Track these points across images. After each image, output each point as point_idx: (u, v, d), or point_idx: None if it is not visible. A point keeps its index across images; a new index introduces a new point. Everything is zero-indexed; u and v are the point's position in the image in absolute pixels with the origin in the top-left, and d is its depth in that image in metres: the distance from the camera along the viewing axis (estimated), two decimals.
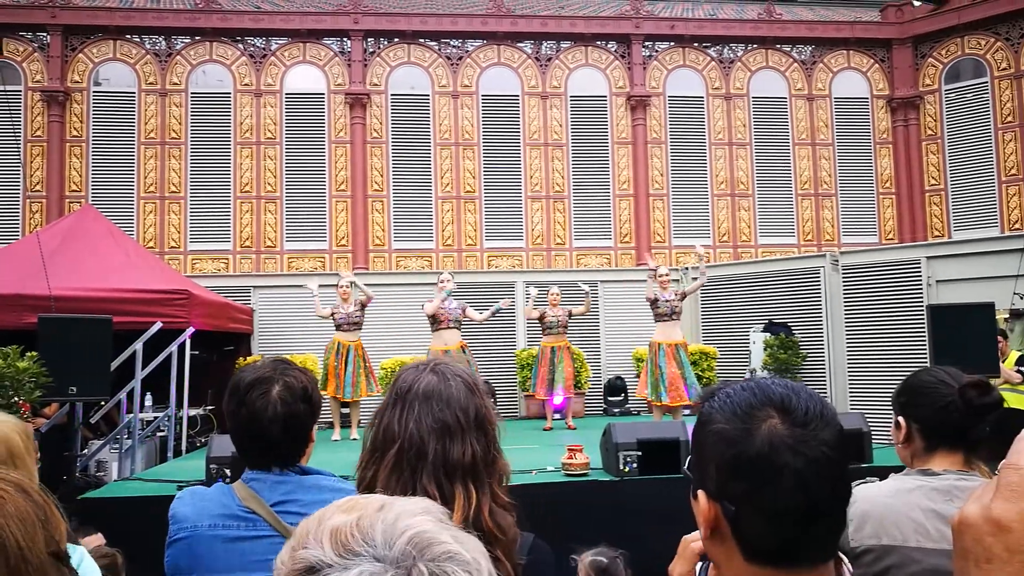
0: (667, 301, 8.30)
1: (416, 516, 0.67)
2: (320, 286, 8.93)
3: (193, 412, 8.83)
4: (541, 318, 9.27)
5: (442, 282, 8.31)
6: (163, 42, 13.46)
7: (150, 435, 7.96)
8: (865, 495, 1.91)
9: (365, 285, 8.80)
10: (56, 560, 0.90)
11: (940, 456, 1.96)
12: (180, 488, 5.49)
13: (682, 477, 5.22)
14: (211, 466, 5.26)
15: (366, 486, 1.33)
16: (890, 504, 1.86)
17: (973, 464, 1.96)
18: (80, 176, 13.02)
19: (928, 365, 7.50)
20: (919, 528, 1.81)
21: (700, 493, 0.98)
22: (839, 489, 0.95)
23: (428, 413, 1.34)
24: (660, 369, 8.12)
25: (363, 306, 8.69)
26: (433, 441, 1.32)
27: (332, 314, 8.65)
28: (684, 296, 8.50)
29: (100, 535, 3.99)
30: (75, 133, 13.09)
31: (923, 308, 8.46)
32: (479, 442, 1.35)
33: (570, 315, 9.25)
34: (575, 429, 8.84)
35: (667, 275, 8.54)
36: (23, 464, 1.54)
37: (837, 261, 10.23)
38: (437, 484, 1.29)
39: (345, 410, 8.83)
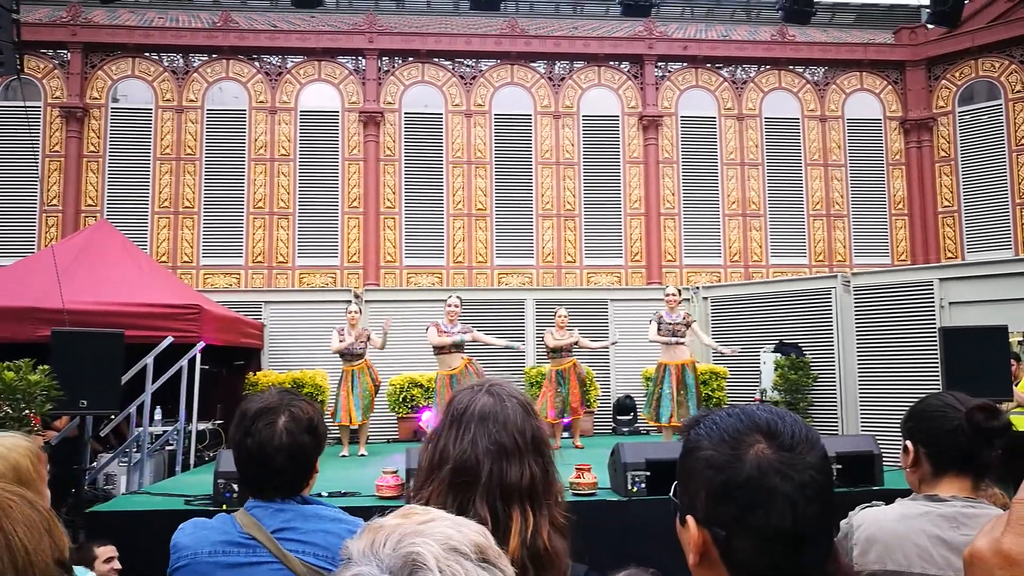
0: (670, 323, 8.22)
1: (433, 539, 0.71)
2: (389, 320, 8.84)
3: (202, 426, 8.85)
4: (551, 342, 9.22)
5: (450, 306, 8.27)
6: (180, 59, 13.64)
7: (159, 449, 7.98)
8: (872, 519, 1.89)
9: (379, 336, 8.70)
10: (60, 568, 0.94)
11: (948, 480, 1.94)
12: (188, 503, 5.50)
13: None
14: (219, 481, 5.26)
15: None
16: (896, 529, 1.84)
17: (981, 489, 1.95)
18: (96, 191, 13.17)
19: (940, 389, 7.44)
20: (923, 554, 1.80)
21: (689, 519, 0.98)
22: (826, 512, 0.96)
23: (484, 435, 1.33)
24: (662, 390, 8.08)
25: (367, 340, 8.63)
26: (488, 463, 1.30)
27: (339, 335, 8.61)
28: (690, 324, 8.39)
29: (112, 547, 4.00)
30: (92, 148, 13.26)
31: (936, 330, 8.40)
32: (536, 464, 1.34)
33: (576, 343, 9.15)
34: (582, 448, 8.79)
35: (675, 295, 8.46)
36: (33, 488, 1.56)
37: (849, 282, 10.18)
38: (491, 507, 1.28)
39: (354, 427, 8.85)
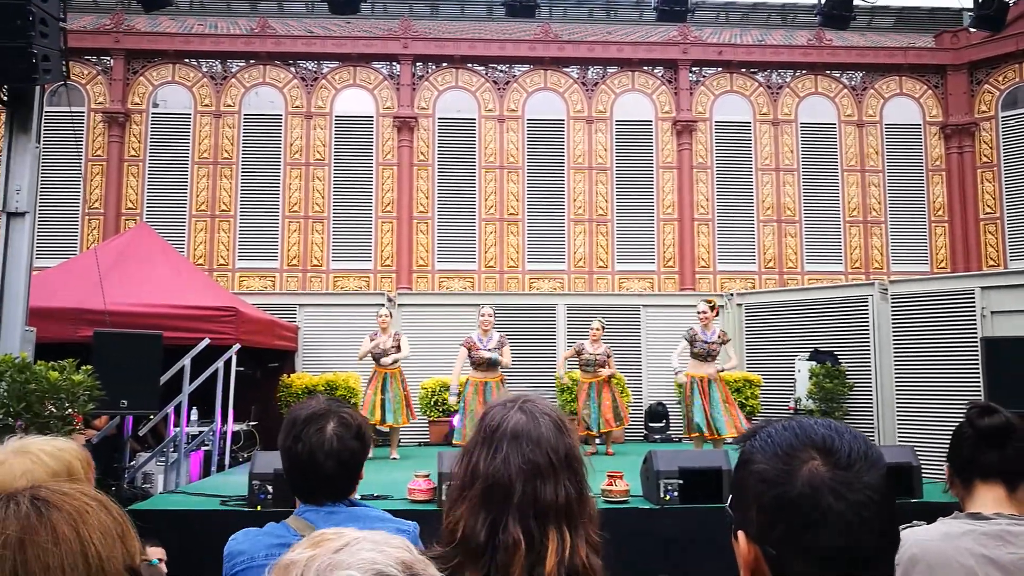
0: (705, 343, 8.06)
1: (357, 568, 0.67)
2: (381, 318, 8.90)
3: (237, 427, 8.97)
4: (579, 353, 9.04)
5: (483, 316, 8.28)
6: (219, 65, 13.88)
7: (194, 449, 8.11)
8: (914, 539, 1.86)
9: (400, 350, 8.75)
10: (131, 575, 0.95)
11: (980, 492, 1.93)
12: (223, 503, 5.58)
13: (723, 507, 5.14)
14: (254, 482, 5.33)
15: (452, 527, 1.31)
16: (941, 549, 1.81)
17: (1020, 500, 1.92)
18: (136, 194, 13.44)
19: (981, 400, 7.27)
20: (970, 574, 1.76)
21: (740, 534, 0.96)
22: (886, 534, 0.92)
23: (517, 453, 1.31)
24: (693, 403, 7.99)
25: (398, 345, 8.68)
26: (521, 482, 1.29)
27: (371, 340, 8.68)
28: (726, 341, 8.22)
29: (161, 548, 4.05)
30: (133, 153, 13.54)
31: (977, 340, 8.22)
32: (571, 482, 1.33)
33: (609, 356, 9.04)
34: (613, 455, 8.74)
35: (706, 313, 8.18)
36: None
37: (886, 290, 10.01)
38: (524, 526, 1.26)
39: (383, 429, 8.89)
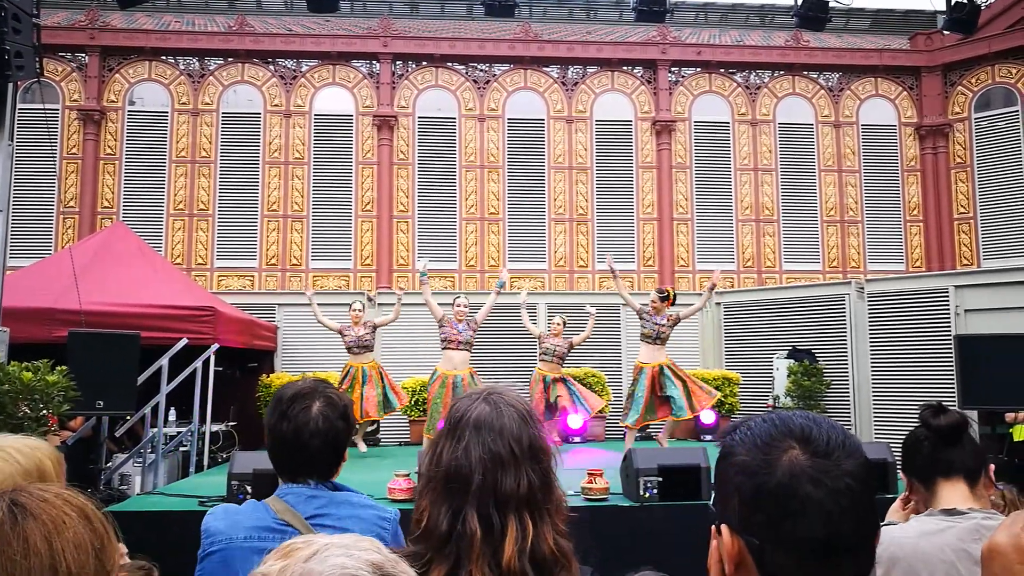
0: (656, 324, 8.05)
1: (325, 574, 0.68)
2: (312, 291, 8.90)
3: (216, 428, 8.90)
4: (540, 339, 9.22)
5: (458, 307, 8.23)
6: (196, 63, 13.75)
7: (172, 450, 8.04)
8: (890, 538, 1.89)
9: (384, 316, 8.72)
10: None
11: (944, 489, 1.99)
12: (202, 504, 5.54)
13: (703, 504, 5.16)
14: (232, 482, 5.29)
15: (419, 515, 1.34)
16: (919, 546, 1.84)
17: (981, 493, 1.99)
18: (112, 193, 13.28)
19: (955, 396, 7.39)
20: (950, 570, 1.80)
21: (723, 527, 0.96)
22: (865, 522, 0.92)
23: (478, 443, 1.33)
24: (636, 392, 8.00)
25: (374, 327, 8.69)
26: (480, 472, 1.31)
27: (341, 332, 8.69)
28: (677, 322, 8.17)
29: (123, 546, 4.01)
30: (109, 151, 13.38)
31: (951, 337, 8.35)
32: (535, 472, 1.34)
33: (571, 347, 9.14)
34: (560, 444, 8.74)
35: (659, 303, 8.15)
36: None
37: (863, 288, 10.14)
38: (483, 515, 1.28)
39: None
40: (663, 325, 8.08)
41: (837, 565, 0.90)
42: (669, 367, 8.02)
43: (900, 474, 2.12)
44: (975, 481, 1.99)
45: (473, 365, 8.24)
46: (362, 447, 8.73)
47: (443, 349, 8.10)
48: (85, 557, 0.91)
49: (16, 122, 5.97)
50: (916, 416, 2.18)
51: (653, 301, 8.21)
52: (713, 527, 1.00)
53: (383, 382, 8.65)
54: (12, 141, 5.78)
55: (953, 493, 1.96)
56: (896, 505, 2.19)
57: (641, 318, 8.18)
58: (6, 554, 0.87)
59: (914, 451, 2.05)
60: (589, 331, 9.19)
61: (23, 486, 0.97)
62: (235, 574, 1.72)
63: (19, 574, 0.87)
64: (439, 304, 8.22)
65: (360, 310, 8.83)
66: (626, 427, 8.12)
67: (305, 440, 1.82)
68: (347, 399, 1.94)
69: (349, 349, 8.64)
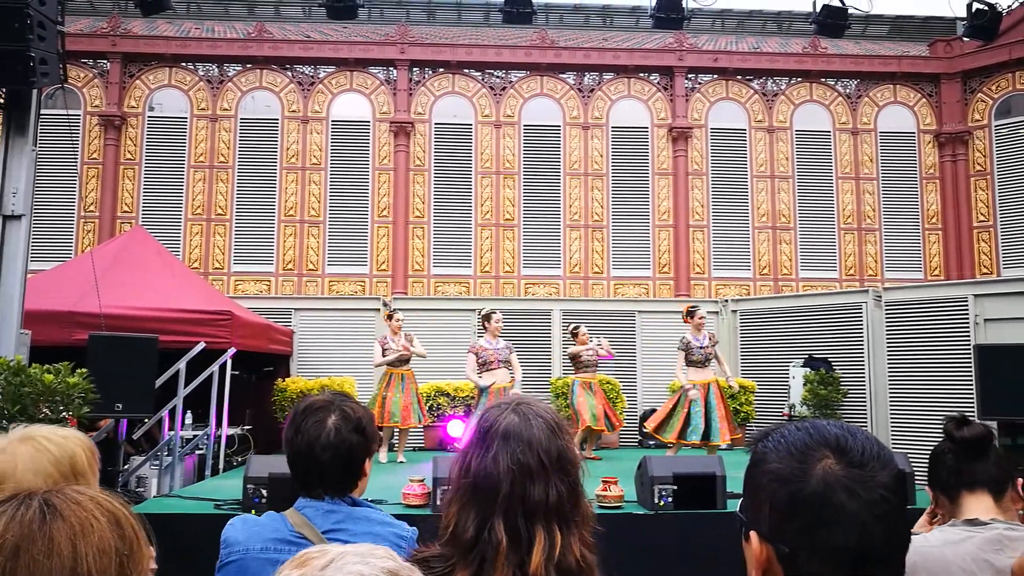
0: (701, 348, 8.06)
1: None
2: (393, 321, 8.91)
3: (231, 431, 8.95)
4: (576, 357, 9.14)
5: (495, 323, 8.29)
6: (215, 69, 13.89)
7: (189, 453, 8.09)
8: (914, 547, 1.89)
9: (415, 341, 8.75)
10: None
11: (969, 502, 1.99)
12: (217, 507, 5.57)
13: (718, 513, 5.14)
14: (248, 486, 5.31)
15: (447, 522, 1.35)
16: (941, 555, 1.84)
17: (1006, 505, 2.00)
18: (132, 198, 13.43)
19: (974, 407, 7.31)
20: None
21: (752, 534, 0.96)
22: (897, 533, 0.92)
23: (507, 453, 1.33)
24: (675, 409, 7.99)
25: (411, 342, 8.67)
26: (509, 481, 1.31)
27: (383, 347, 8.61)
28: (715, 343, 8.26)
29: (152, 550, 4.03)
30: (129, 156, 13.53)
31: (970, 347, 8.26)
32: (563, 483, 1.34)
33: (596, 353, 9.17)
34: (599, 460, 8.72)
35: (703, 317, 8.25)
36: (85, 481, 1.57)
37: (880, 297, 10.05)
38: (510, 524, 1.29)
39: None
40: (707, 347, 8.12)
41: (869, 574, 0.90)
42: (715, 385, 8.01)
43: (926, 488, 2.11)
44: (1001, 494, 1.99)
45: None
46: (400, 456, 8.66)
47: (486, 371, 8.27)
48: (108, 562, 0.92)
49: (39, 128, 6.05)
50: (935, 427, 2.18)
51: (702, 318, 8.24)
52: (743, 534, 1.00)
53: (416, 395, 8.63)
54: (35, 146, 5.86)
55: (977, 505, 1.96)
56: (923, 519, 2.19)
57: (687, 351, 8.15)
58: (30, 553, 0.88)
59: (938, 464, 2.05)
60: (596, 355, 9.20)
61: (60, 487, 0.98)
62: None
63: (40, 574, 0.88)
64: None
65: (401, 319, 8.76)
66: (676, 443, 8.01)
67: (317, 454, 1.81)
68: (365, 412, 1.92)
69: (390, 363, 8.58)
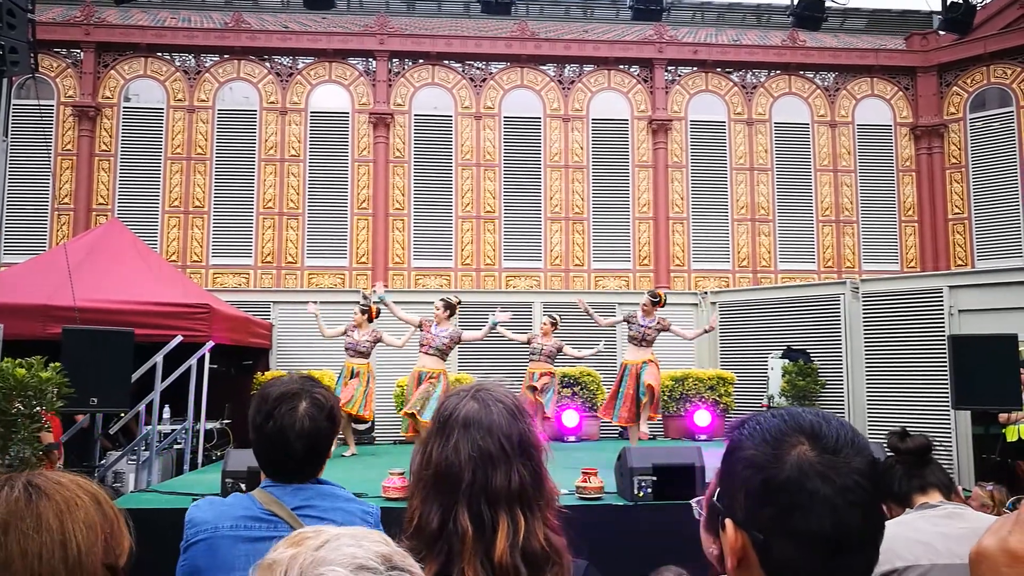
0: (641, 326, 8.07)
1: (338, 564, 0.70)
2: (317, 303, 8.92)
3: (210, 426, 8.88)
4: (528, 341, 9.29)
5: (438, 312, 8.23)
6: (192, 60, 13.71)
7: (167, 447, 8.02)
8: None
9: (394, 336, 8.70)
10: (109, 572, 0.98)
11: (920, 500, 2.19)
12: (195, 500, 5.52)
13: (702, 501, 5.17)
14: (227, 480, 5.28)
15: (410, 514, 1.33)
16: (895, 531, 1.93)
17: (957, 495, 2.27)
18: (107, 190, 13.24)
19: (949, 397, 7.41)
20: (929, 548, 1.91)
21: (727, 522, 0.96)
22: (871, 519, 0.93)
23: (467, 441, 1.32)
24: (620, 390, 8.04)
25: (378, 340, 8.60)
26: (471, 469, 1.30)
27: (345, 333, 8.59)
28: (665, 329, 8.18)
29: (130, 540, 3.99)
30: (104, 147, 13.34)
31: (945, 338, 8.37)
32: (525, 468, 1.33)
33: (559, 350, 9.17)
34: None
35: (650, 306, 8.18)
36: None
37: (857, 288, 10.16)
38: (473, 512, 1.28)
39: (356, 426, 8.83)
40: (649, 328, 8.10)
41: (843, 561, 0.90)
42: (649, 365, 8.01)
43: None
44: (950, 494, 2.18)
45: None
46: (351, 449, 8.61)
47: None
48: (94, 538, 0.95)
49: (11, 118, 5.94)
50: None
51: (644, 304, 8.21)
52: (701, 519, 1.00)
53: (366, 387, 8.50)
54: (7, 137, 5.76)
55: (929, 499, 2.16)
56: None
57: (627, 323, 8.23)
58: (20, 528, 0.92)
59: (890, 476, 2.24)
60: (585, 356, 9.25)
61: (38, 471, 1.02)
62: (221, 562, 1.71)
63: (31, 547, 0.91)
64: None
65: (362, 316, 8.68)
66: (620, 424, 8.16)
67: (291, 442, 1.78)
68: (334, 398, 1.90)
69: (346, 350, 8.58)
